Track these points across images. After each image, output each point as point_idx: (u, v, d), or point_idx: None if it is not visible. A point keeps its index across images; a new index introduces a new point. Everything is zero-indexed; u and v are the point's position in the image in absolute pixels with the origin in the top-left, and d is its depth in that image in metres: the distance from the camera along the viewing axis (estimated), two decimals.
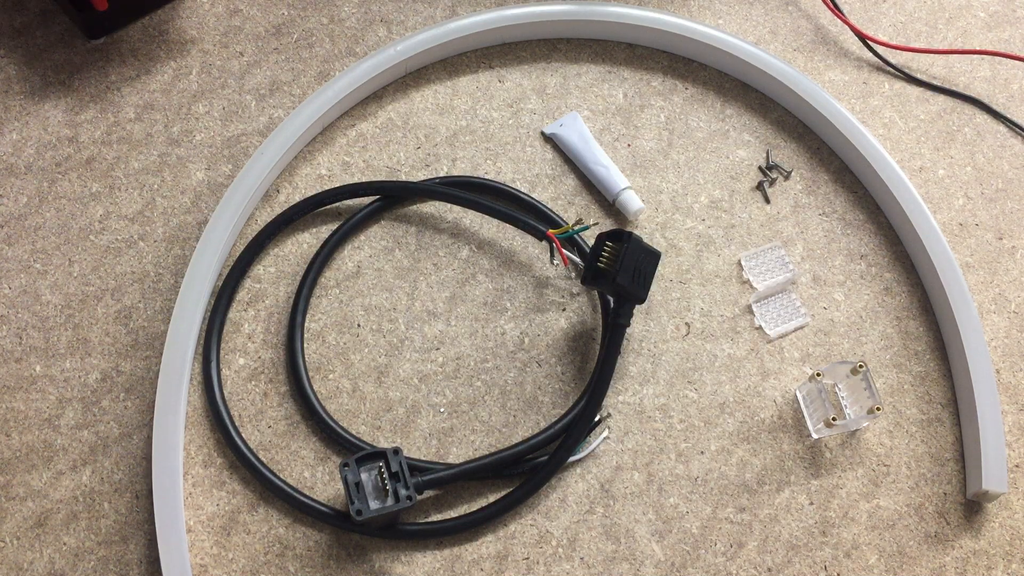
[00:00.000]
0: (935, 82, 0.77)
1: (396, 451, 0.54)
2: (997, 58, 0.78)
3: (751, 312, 0.66)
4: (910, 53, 0.78)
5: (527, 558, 0.58)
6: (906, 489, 0.62)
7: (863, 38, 0.77)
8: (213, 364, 0.61)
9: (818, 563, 0.59)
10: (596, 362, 0.63)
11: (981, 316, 0.67)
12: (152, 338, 0.62)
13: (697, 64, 0.75)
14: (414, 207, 0.68)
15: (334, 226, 0.66)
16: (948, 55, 0.78)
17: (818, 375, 0.61)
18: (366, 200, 0.67)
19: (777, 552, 0.59)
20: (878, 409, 0.58)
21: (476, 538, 0.58)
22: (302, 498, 0.57)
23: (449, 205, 0.68)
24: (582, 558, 0.58)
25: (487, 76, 0.73)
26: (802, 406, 0.63)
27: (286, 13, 0.74)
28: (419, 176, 0.69)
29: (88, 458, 0.59)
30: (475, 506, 0.59)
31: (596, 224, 0.67)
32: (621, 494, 0.60)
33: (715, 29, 0.73)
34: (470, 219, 0.68)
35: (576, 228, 0.63)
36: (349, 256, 0.66)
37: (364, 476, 0.54)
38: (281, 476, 0.59)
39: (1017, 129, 0.75)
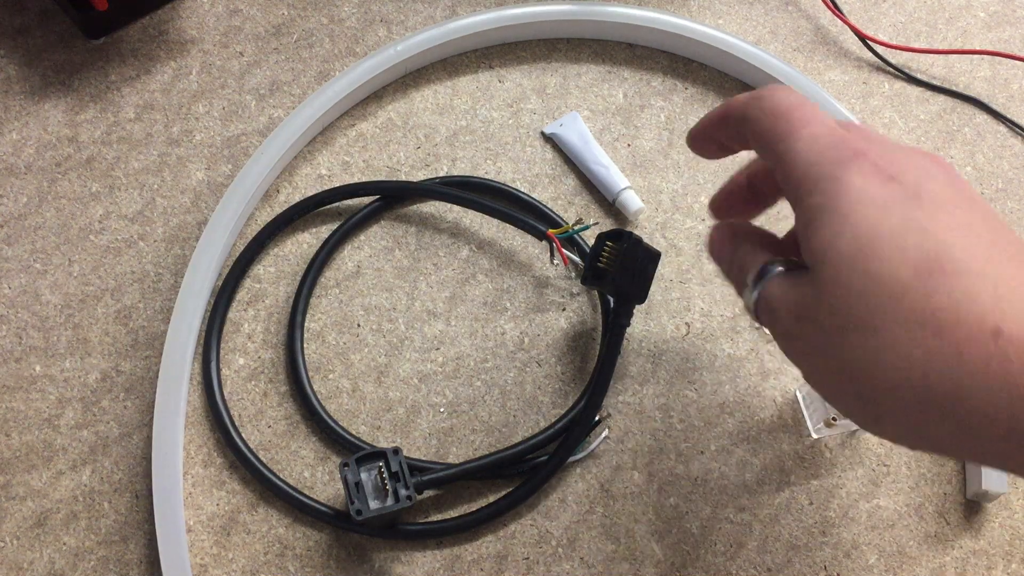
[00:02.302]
0: (935, 82, 0.77)
1: (396, 451, 0.55)
2: (997, 58, 0.78)
3: None
4: (910, 53, 0.78)
5: (527, 558, 0.58)
6: (906, 489, 0.62)
7: (863, 38, 0.77)
8: (213, 364, 0.61)
9: (818, 563, 0.59)
10: (596, 362, 0.63)
11: None
12: (152, 338, 0.62)
13: (697, 64, 0.75)
14: (414, 207, 0.68)
15: (334, 226, 0.66)
16: (948, 55, 0.78)
17: None
18: (366, 200, 0.67)
19: (777, 552, 0.59)
20: None
21: (476, 538, 0.58)
22: (302, 498, 0.57)
23: (449, 205, 0.68)
24: (582, 558, 0.58)
25: (487, 76, 0.73)
26: (802, 406, 0.63)
27: (286, 13, 0.74)
28: (419, 176, 0.69)
29: (88, 458, 0.59)
30: (475, 506, 0.59)
31: (596, 224, 0.67)
32: (621, 494, 0.60)
33: (715, 29, 0.73)
34: (470, 219, 0.68)
35: (576, 228, 0.63)
36: (349, 256, 0.66)
37: (364, 476, 0.54)
38: (281, 476, 0.59)
39: (1017, 129, 0.75)
